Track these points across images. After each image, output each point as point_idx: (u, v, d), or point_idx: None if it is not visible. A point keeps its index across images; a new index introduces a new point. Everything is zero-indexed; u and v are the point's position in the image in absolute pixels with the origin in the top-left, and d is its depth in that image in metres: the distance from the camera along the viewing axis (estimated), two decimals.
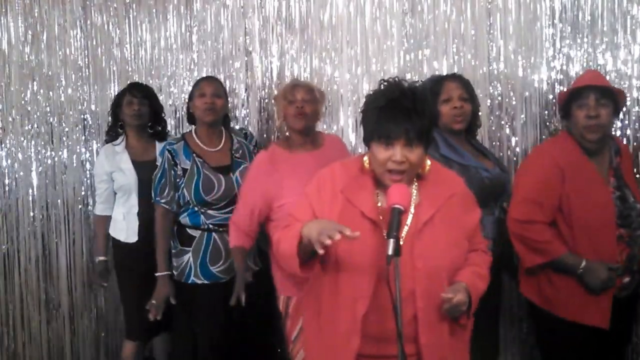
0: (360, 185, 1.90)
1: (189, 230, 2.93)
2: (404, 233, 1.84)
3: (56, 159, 3.75)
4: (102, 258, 3.27)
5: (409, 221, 1.86)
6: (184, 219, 2.94)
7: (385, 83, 1.89)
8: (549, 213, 2.47)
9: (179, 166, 2.90)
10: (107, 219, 3.27)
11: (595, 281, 2.40)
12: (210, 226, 2.90)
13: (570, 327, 2.46)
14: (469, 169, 2.59)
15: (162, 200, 2.93)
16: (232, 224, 2.79)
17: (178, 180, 2.90)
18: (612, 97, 2.46)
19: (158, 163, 2.97)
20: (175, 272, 2.96)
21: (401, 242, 1.80)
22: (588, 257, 2.42)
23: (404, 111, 1.78)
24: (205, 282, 2.91)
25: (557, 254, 2.46)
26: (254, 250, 2.97)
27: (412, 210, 1.87)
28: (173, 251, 2.97)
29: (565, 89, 3.00)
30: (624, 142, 3.08)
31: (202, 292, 2.91)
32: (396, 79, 1.89)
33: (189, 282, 2.91)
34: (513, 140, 3.26)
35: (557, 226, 2.49)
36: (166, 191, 2.92)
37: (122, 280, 3.28)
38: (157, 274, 2.94)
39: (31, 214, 3.77)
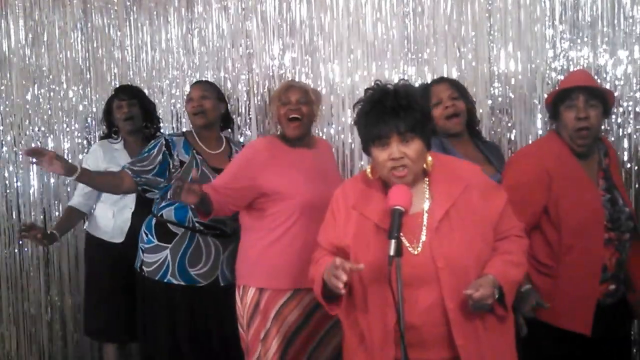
0: (369, 197, 1.91)
1: (170, 227, 2.85)
2: (423, 235, 1.83)
3: None
4: (54, 231, 3.06)
5: (425, 222, 1.85)
6: (169, 212, 2.86)
7: (370, 90, 1.90)
8: (526, 215, 2.34)
9: (175, 157, 2.84)
10: (82, 215, 3.20)
11: (522, 307, 2.32)
12: (197, 225, 2.83)
13: (554, 333, 2.39)
14: None
15: (130, 167, 2.78)
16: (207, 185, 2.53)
17: (174, 170, 2.83)
18: (601, 98, 2.43)
19: (148, 145, 2.88)
20: (146, 269, 2.85)
21: (420, 245, 1.82)
22: (575, 261, 2.35)
23: (389, 110, 1.80)
24: (182, 283, 2.83)
25: None
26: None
27: (426, 209, 1.86)
28: (147, 246, 2.86)
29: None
30: (624, 142, 3.09)
31: (179, 293, 2.83)
32: (379, 82, 1.91)
33: (165, 280, 2.82)
34: (514, 141, 3.27)
35: (541, 229, 2.44)
36: (141, 164, 2.78)
37: (94, 278, 3.20)
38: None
39: (33, 216, 3.77)
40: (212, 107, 2.97)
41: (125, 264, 3.02)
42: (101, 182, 2.82)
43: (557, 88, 2.53)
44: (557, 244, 2.38)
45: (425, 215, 1.86)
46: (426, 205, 1.87)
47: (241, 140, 3.54)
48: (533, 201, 2.39)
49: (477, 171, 1.99)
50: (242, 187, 2.51)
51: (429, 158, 1.90)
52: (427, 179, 1.91)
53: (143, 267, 2.88)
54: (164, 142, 2.86)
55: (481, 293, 1.74)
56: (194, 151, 2.90)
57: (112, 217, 3.16)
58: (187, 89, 3.50)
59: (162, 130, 3.42)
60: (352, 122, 1.96)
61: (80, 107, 3.74)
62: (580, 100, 2.38)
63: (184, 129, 3.54)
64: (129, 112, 3.20)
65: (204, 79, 3.40)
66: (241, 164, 2.59)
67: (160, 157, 2.82)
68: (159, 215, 2.89)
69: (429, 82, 2.91)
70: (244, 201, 2.55)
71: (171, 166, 2.84)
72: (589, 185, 2.41)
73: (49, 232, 3.05)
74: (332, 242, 1.96)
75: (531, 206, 2.39)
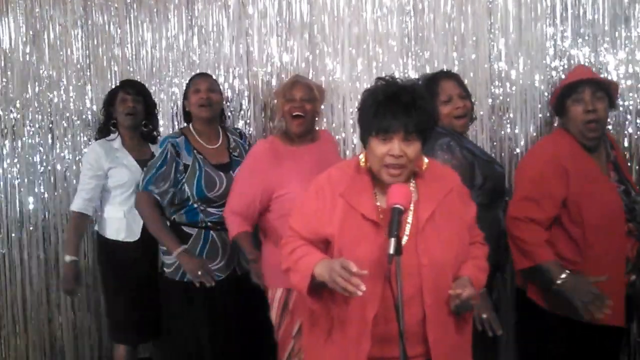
0: (359, 186, 1.91)
1: (185, 229, 2.88)
2: (407, 231, 1.85)
3: (57, 159, 3.75)
4: (74, 258, 3.09)
5: (410, 219, 1.86)
6: (180, 216, 2.90)
7: (382, 81, 1.90)
8: (548, 210, 2.41)
9: (181, 162, 2.86)
10: (87, 218, 3.17)
11: (576, 299, 2.26)
12: (209, 224, 2.87)
13: (574, 327, 2.42)
14: (490, 163, 2.59)
15: (156, 190, 2.84)
16: (230, 214, 2.72)
17: (179, 176, 2.86)
18: (606, 90, 2.44)
19: (157, 153, 2.90)
20: (166, 270, 2.90)
21: (405, 240, 1.83)
22: (600, 255, 2.36)
23: (402, 106, 1.80)
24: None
25: (542, 258, 2.36)
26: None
27: (411, 207, 1.87)
28: (164, 248, 2.90)
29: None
30: (625, 139, 3.08)
31: (199, 290, 2.85)
32: (392, 76, 1.91)
33: (185, 280, 2.86)
34: (514, 139, 3.26)
35: (563, 226, 2.44)
36: (162, 183, 2.84)
37: (113, 280, 3.18)
38: (175, 253, 2.80)
39: (33, 214, 3.76)
40: (218, 102, 2.99)
41: (141, 262, 3.05)
42: (163, 224, 2.91)
43: (560, 85, 2.54)
44: (581, 240, 2.39)
45: (411, 214, 1.87)
46: (412, 204, 1.87)
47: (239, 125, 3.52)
48: (552, 195, 2.40)
49: (457, 177, 2.05)
50: (259, 200, 2.66)
51: (425, 160, 1.92)
52: (414, 180, 1.92)
53: (164, 268, 2.93)
54: (172, 150, 2.86)
55: (468, 293, 1.79)
56: (195, 151, 2.90)
57: (123, 217, 3.13)
58: None
59: (160, 129, 3.42)
60: (357, 109, 1.93)
61: (80, 105, 3.73)
62: (587, 94, 2.39)
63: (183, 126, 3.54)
64: (133, 107, 3.18)
65: (206, 72, 3.39)
66: (248, 179, 2.69)
67: (174, 165, 2.85)
68: (171, 218, 2.93)
69: (434, 73, 2.85)
70: (263, 208, 2.69)
71: (177, 170, 2.87)
72: (603, 179, 2.43)
73: (72, 272, 3.08)
74: (313, 230, 1.92)
75: (551, 200, 2.40)
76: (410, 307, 1.80)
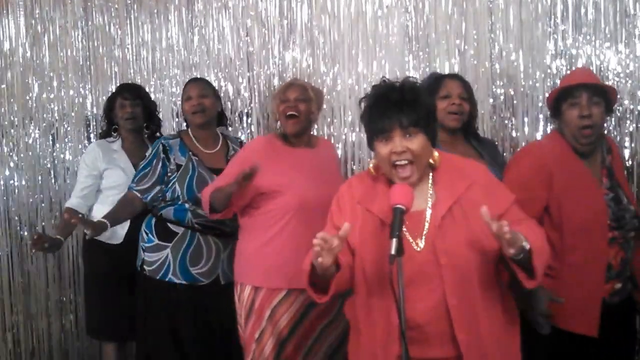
0: (375, 193, 1.91)
1: (170, 226, 2.86)
2: (425, 231, 1.83)
3: (58, 159, 3.75)
4: (58, 236, 2.97)
5: (428, 218, 1.84)
6: (167, 212, 2.86)
7: (375, 87, 1.91)
8: (530, 212, 2.24)
9: (172, 161, 2.85)
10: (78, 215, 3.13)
11: (535, 309, 2.25)
12: (196, 225, 2.84)
13: (559, 335, 2.35)
14: None
15: (136, 188, 2.87)
16: (208, 188, 2.60)
17: (170, 174, 2.85)
18: (604, 95, 2.41)
19: (147, 154, 2.91)
20: (147, 268, 2.87)
21: (423, 241, 1.82)
22: (579, 261, 2.32)
23: (392, 103, 1.80)
24: (184, 282, 2.84)
25: None
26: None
27: (429, 206, 1.86)
28: (147, 245, 2.88)
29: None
30: (627, 140, 3.08)
31: (180, 292, 2.84)
32: (385, 79, 1.91)
33: (166, 279, 2.83)
34: (515, 139, 3.26)
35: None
36: (144, 180, 2.86)
37: (93, 279, 3.18)
38: (100, 219, 2.82)
39: (34, 214, 3.77)
40: (211, 105, 2.97)
41: (124, 264, 3.01)
42: (121, 216, 2.92)
43: (557, 88, 2.51)
44: (559, 245, 2.35)
45: (429, 212, 1.85)
46: (430, 202, 1.87)
47: (242, 137, 3.53)
48: (534, 198, 2.35)
49: (483, 170, 1.99)
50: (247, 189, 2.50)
51: (436, 154, 1.90)
52: (431, 176, 1.90)
53: (144, 266, 2.89)
54: (161, 148, 2.87)
55: (504, 227, 1.61)
56: (190, 153, 2.89)
57: None
58: None
59: (162, 130, 3.41)
60: (359, 118, 1.95)
61: (80, 105, 3.73)
62: (583, 98, 2.34)
63: (182, 127, 3.54)
64: (132, 111, 3.19)
65: (198, 77, 3.39)
66: (239, 166, 2.57)
67: (160, 164, 2.85)
68: (158, 214, 2.90)
69: (443, 73, 2.89)
70: (243, 201, 2.56)
71: (168, 170, 2.86)
72: (591, 185, 2.38)
73: (53, 237, 2.99)
74: (338, 230, 1.90)
75: (532, 203, 2.35)
76: (435, 310, 1.78)
